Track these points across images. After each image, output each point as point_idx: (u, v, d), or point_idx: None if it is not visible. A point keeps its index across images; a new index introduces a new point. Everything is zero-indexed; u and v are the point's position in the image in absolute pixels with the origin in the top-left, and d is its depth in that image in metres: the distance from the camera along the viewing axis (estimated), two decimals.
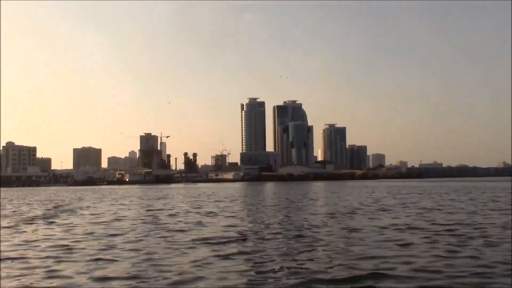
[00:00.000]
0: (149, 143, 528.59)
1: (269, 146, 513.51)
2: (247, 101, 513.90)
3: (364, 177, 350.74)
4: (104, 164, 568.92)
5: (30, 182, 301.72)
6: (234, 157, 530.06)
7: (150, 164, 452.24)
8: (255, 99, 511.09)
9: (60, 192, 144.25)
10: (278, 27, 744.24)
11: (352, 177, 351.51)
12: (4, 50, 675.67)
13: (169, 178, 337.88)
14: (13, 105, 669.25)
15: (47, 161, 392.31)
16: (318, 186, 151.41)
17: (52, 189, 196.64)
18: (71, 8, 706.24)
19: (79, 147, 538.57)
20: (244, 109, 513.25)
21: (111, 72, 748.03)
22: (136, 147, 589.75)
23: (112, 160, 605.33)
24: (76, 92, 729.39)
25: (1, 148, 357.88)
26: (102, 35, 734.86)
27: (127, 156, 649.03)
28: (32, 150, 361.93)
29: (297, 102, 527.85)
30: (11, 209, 57.28)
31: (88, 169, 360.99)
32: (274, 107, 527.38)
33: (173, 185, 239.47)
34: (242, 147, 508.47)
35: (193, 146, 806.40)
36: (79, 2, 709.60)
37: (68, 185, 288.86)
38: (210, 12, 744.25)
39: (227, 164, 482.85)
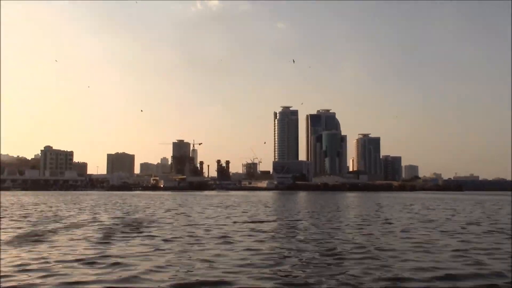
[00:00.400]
0: (181, 149, 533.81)
1: (302, 155, 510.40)
2: (280, 109, 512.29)
3: (401, 188, 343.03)
4: (137, 170, 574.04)
5: (67, 186, 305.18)
6: (266, 166, 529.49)
7: (182, 170, 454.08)
8: (288, 107, 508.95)
9: (112, 197, 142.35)
10: (310, 35, 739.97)
11: (388, 188, 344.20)
12: (41, 56, 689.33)
13: (203, 185, 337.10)
14: (51, 109, 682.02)
15: (83, 166, 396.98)
16: (359, 197, 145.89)
17: (95, 193, 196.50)
18: (102, 15, 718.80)
19: (113, 153, 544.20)
20: (277, 117, 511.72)
21: (144, 79, 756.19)
22: (167, 153, 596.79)
23: (144, 166, 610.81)
24: (111, 98, 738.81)
25: (39, 152, 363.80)
26: (136, 41, 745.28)
27: (159, 162, 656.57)
28: (69, 154, 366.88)
29: (330, 111, 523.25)
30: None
31: (121, 175, 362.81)
32: (307, 116, 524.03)
33: (206, 192, 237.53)
34: (274, 156, 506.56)
35: (223, 154, 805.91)
36: (107, 3, 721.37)
37: (105, 190, 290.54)
38: (243, 19, 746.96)
39: (258, 172, 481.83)
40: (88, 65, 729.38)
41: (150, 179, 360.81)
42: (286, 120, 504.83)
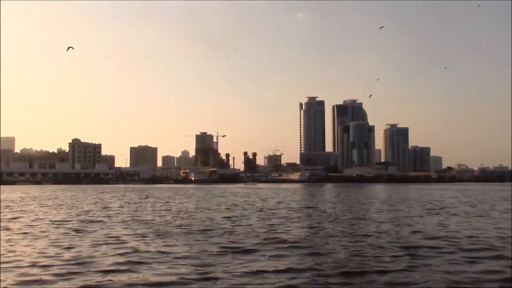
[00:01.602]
0: (205, 142, 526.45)
1: (328, 146, 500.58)
2: (305, 100, 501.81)
3: (439, 180, 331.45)
4: (159, 163, 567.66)
5: (98, 179, 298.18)
6: (288, 157, 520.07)
7: (208, 163, 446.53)
8: (314, 98, 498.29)
9: (173, 190, 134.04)
10: (333, 25, 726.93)
11: (427, 180, 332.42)
12: (61, 46, 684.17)
13: (235, 177, 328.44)
14: (71, 102, 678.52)
15: (111, 159, 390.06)
16: (422, 190, 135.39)
17: (139, 187, 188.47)
18: (130, 8, 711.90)
19: (136, 146, 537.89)
20: (303, 108, 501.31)
21: (167, 73, 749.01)
22: (188, 146, 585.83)
23: (166, 159, 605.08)
24: (132, 90, 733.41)
25: (68, 145, 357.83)
26: (159, 35, 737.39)
27: (180, 155, 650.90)
28: (97, 147, 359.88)
29: (357, 101, 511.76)
30: None
31: (145, 168, 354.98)
32: (333, 106, 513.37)
33: (238, 185, 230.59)
34: (300, 147, 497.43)
35: (243, 146, 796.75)
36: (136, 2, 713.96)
37: (137, 183, 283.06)
38: (265, 11, 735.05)
39: (284, 164, 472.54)
40: (113, 57, 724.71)
41: (180, 172, 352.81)
42: (313, 111, 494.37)
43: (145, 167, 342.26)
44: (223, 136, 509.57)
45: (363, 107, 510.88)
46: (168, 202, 66.16)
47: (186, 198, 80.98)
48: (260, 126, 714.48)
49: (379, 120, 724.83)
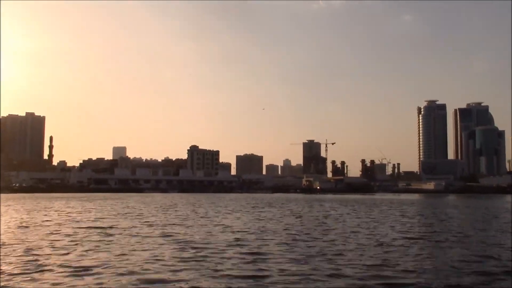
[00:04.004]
0: (312, 149, 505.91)
1: (449, 154, 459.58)
2: (424, 104, 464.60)
3: None
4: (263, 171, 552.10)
5: (223, 187, 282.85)
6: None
7: (322, 170, 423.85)
8: (434, 101, 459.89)
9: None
10: (439, 25, 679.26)
11: None
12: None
13: (366, 187, 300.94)
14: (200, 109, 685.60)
15: (227, 166, 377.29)
16: None
17: (278, 197, 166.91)
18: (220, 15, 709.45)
19: (242, 154, 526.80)
20: (422, 112, 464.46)
21: (265, 79, 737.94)
22: (288, 154, 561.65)
23: (269, 168, 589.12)
24: (229, 97, 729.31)
25: (186, 152, 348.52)
26: (254, 40, 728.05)
27: (282, 164, 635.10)
28: (216, 154, 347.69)
29: (482, 104, 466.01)
30: None
31: (267, 176, 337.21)
32: (455, 110, 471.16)
33: (380, 195, 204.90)
34: (419, 154, 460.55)
35: (342, 153, 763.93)
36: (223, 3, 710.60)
37: (263, 192, 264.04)
38: (368, 14, 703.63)
39: (401, 173, 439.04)
40: (209, 65, 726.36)
41: (303, 180, 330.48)
42: (433, 115, 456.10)
43: (267, 175, 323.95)
44: (333, 144, 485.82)
45: (489, 110, 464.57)
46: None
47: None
48: (364, 133, 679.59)
49: (505, 124, 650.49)
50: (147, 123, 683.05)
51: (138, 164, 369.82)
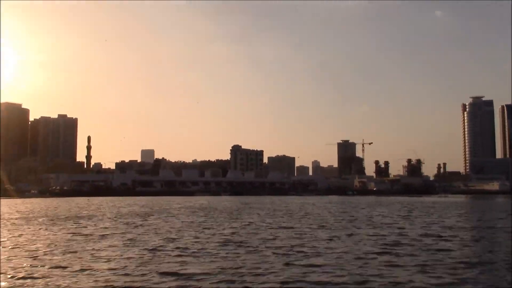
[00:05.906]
0: (348, 150, 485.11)
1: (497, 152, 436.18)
2: (470, 100, 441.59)
3: None
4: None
5: (276, 189, 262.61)
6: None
7: (361, 171, 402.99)
8: (480, 97, 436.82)
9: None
10: (471, 20, 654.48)
11: None
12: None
13: (428, 187, 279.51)
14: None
15: (268, 167, 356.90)
16: None
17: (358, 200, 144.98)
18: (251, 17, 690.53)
19: (273, 155, 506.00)
20: (467, 109, 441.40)
21: (296, 80, 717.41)
22: (319, 155, 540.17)
23: (300, 169, 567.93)
24: (259, 98, 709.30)
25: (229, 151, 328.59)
26: (283, 40, 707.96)
27: (311, 165, 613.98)
28: (260, 154, 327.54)
29: None
30: None
31: (320, 177, 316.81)
32: (502, 106, 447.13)
33: (454, 197, 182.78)
34: (464, 153, 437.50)
35: (376, 153, 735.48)
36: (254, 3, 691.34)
37: (314, 194, 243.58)
38: (398, 13, 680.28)
39: (446, 173, 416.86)
40: (240, 67, 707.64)
41: (355, 181, 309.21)
42: (479, 112, 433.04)
43: (320, 176, 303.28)
44: (370, 144, 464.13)
45: None
46: None
47: None
48: (400, 133, 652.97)
49: None
50: (174, 125, 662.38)
51: (179, 166, 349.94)
